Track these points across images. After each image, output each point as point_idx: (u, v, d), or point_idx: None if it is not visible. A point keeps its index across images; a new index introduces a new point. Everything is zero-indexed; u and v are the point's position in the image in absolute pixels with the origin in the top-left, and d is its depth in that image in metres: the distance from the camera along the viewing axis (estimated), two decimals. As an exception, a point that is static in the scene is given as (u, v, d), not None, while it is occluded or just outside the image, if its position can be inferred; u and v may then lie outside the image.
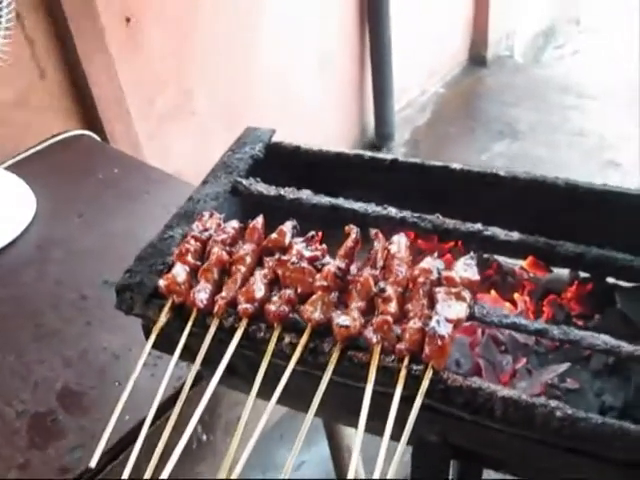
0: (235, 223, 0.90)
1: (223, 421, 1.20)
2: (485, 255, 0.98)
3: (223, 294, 0.81)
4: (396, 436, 0.69)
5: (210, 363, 0.79)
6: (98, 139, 1.75)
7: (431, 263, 0.79)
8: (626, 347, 0.73)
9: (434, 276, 0.78)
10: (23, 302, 1.27)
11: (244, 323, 0.79)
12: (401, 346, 0.72)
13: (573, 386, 0.84)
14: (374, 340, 0.73)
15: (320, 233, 0.86)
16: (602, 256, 0.82)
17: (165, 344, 0.83)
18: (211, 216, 0.92)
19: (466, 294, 0.76)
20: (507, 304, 0.92)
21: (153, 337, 0.81)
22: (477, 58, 3.40)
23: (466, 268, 0.78)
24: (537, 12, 3.58)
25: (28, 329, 1.21)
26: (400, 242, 0.82)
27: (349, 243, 0.82)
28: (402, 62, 2.88)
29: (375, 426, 0.69)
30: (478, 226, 0.86)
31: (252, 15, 2.28)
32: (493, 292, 0.93)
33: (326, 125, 2.76)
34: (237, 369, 0.82)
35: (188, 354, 0.82)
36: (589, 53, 3.44)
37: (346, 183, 1.02)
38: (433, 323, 0.71)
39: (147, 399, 0.78)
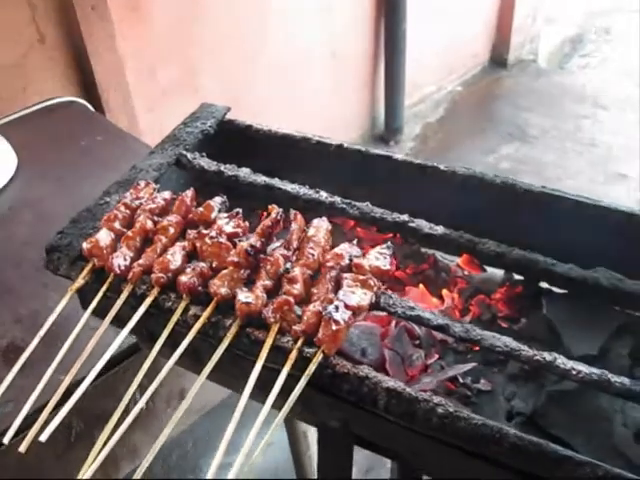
0: (167, 194, 0.90)
1: (165, 391, 1.21)
2: (423, 250, 0.97)
3: (140, 261, 0.82)
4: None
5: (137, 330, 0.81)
6: (89, 107, 1.76)
7: (345, 249, 0.79)
8: (526, 352, 0.71)
9: (345, 262, 0.78)
10: (-15, 260, 1.29)
11: (155, 292, 0.79)
12: (297, 328, 0.72)
13: (485, 388, 0.83)
14: (272, 319, 0.73)
15: (240, 210, 0.85)
16: (523, 258, 0.80)
17: (102, 310, 0.84)
18: (147, 185, 0.92)
19: (373, 282, 0.75)
20: (434, 299, 0.91)
21: (67, 297, 0.82)
22: (498, 59, 3.36)
23: (379, 257, 0.78)
24: (565, 19, 3.51)
25: (-14, 285, 1.23)
26: (320, 226, 0.82)
27: (267, 222, 0.81)
28: (418, 58, 2.85)
29: (263, 398, 0.69)
30: (404, 217, 0.85)
31: (265, 1, 2.27)
32: (422, 286, 0.92)
33: (335, 115, 2.74)
34: (145, 335, 0.83)
35: (117, 321, 0.82)
36: (614, 63, 3.37)
37: (294, 164, 1.01)
38: (330, 308, 0.71)
39: (86, 362, 0.79)
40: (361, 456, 1.84)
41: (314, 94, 2.61)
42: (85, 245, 0.84)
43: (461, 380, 0.83)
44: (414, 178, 0.94)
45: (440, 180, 0.92)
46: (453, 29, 3.01)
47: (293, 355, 0.71)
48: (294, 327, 0.72)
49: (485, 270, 0.94)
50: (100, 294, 0.82)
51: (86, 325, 0.83)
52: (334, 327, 0.70)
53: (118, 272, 0.82)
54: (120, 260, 0.82)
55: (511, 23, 3.19)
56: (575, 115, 2.99)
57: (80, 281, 0.83)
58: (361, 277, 0.75)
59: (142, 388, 1.08)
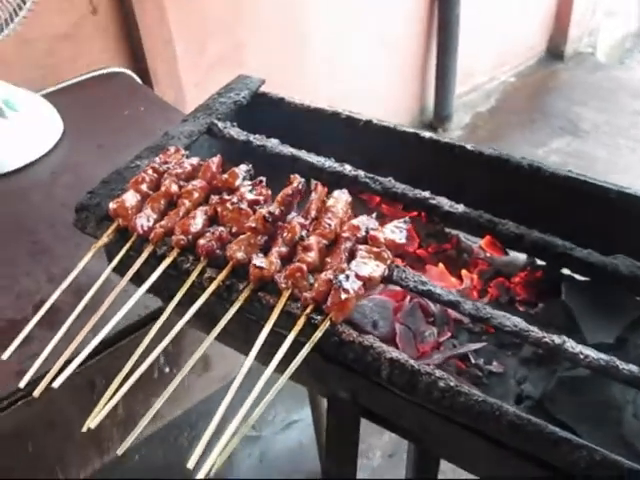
0: (195, 160, 0.92)
1: (188, 357, 1.24)
2: (447, 230, 0.97)
3: (162, 223, 0.84)
4: (295, 377, 0.70)
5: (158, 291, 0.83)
6: (136, 78, 1.80)
7: (362, 221, 0.79)
8: (535, 333, 0.71)
9: (361, 234, 0.78)
10: (26, 219, 1.34)
11: (174, 253, 0.81)
12: (307, 294, 0.73)
13: (497, 370, 0.82)
14: (284, 285, 0.74)
15: (264, 179, 0.86)
16: (541, 240, 0.79)
17: (126, 269, 0.85)
18: (176, 151, 0.94)
19: (387, 255, 0.75)
20: (453, 279, 0.90)
21: (90, 253, 0.85)
22: (555, 52, 3.28)
23: (395, 231, 0.78)
24: (627, 13, 3.40)
25: (24, 244, 1.28)
26: (340, 198, 0.82)
27: (287, 191, 0.82)
28: (472, 46, 2.81)
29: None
30: (425, 194, 0.85)
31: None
32: (441, 265, 0.91)
33: (384, 101, 2.72)
34: (166, 296, 0.85)
35: (139, 280, 0.85)
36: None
37: (324, 138, 1.02)
38: (341, 277, 0.71)
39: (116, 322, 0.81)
40: (384, 441, 1.87)
41: (362, 78, 2.59)
42: (111, 205, 0.87)
43: (473, 360, 0.83)
44: (442, 157, 0.93)
45: (467, 160, 0.91)
46: (509, 19, 2.96)
47: (301, 321, 0.71)
48: (304, 294, 0.73)
49: (507, 253, 0.93)
50: (122, 252, 0.84)
51: (111, 283, 0.86)
52: (343, 296, 0.70)
53: (141, 232, 0.84)
54: (144, 220, 0.84)
55: (570, 15, 3.11)
56: (631, 111, 2.91)
57: (104, 239, 0.86)
58: (375, 249, 0.76)
59: (165, 352, 1.11)
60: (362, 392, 0.78)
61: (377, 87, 2.67)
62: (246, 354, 0.72)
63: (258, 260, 0.75)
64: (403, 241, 0.77)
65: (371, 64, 2.60)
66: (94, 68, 1.76)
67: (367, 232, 0.78)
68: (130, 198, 0.87)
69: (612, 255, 0.79)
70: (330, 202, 0.81)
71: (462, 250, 0.95)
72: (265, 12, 2.18)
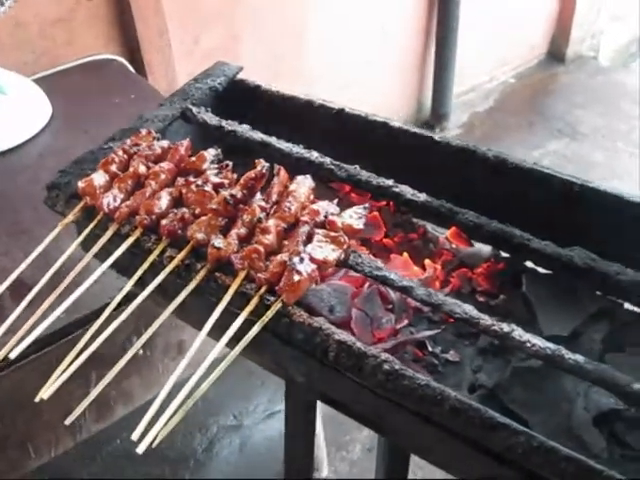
0: (165, 143, 0.93)
1: (163, 340, 1.25)
2: (415, 220, 0.97)
3: (128, 203, 0.85)
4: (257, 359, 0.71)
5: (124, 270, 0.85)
6: (128, 66, 1.81)
7: (322, 206, 0.80)
8: (484, 321, 0.71)
9: (320, 218, 0.79)
10: (10, 200, 1.35)
11: (138, 232, 0.82)
12: (262, 275, 0.73)
13: (453, 358, 0.83)
14: (239, 265, 0.75)
15: (231, 163, 0.87)
16: (499, 230, 0.79)
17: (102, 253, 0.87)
18: (147, 134, 0.95)
19: (343, 240, 0.76)
20: (415, 268, 0.91)
21: (56, 231, 0.86)
22: (556, 54, 3.27)
23: (353, 216, 0.78)
24: (634, 17, 3.38)
25: (4, 225, 1.29)
26: (303, 182, 0.83)
27: (250, 174, 0.83)
28: (471, 46, 2.80)
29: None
30: (389, 182, 0.86)
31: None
32: (405, 254, 0.92)
33: (380, 95, 2.72)
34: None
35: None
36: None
37: (298, 125, 1.02)
38: (295, 259, 0.72)
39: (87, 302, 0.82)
40: (363, 435, 1.87)
41: (361, 70, 2.60)
42: (80, 184, 0.88)
43: (430, 349, 0.83)
44: (409, 146, 0.94)
45: (434, 150, 0.92)
46: (511, 18, 2.95)
47: (254, 301, 0.72)
48: (259, 274, 0.73)
49: (473, 245, 0.93)
50: (88, 230, 0.85)
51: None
52: (295, 277, 0.71)
53: (107, 211, 0.85)
54: (110, 200, 0.85)
55: (572, 16, 3.10)
56: (631, 116, 2.90)
57: (70, 217, 0.87)
58: (332, 234, 0.76)
59: (138, 334, 1.12)
60: (315, 375, 0.79)
61: (375, 82, 2.67)
62: (198, 327, 0.73)
63: (216, 241, 0.76)
64: (360, 227, 0.77)
65: (369, 58, 2.60)
66: (87, 54, 1.77)
67: (326, 216, 0.79)
68: (98, 178, 0.88)
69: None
70: (292, 187, 0.82)
71: (428, 240, 0.95)
72: (262, 3, 2.19)
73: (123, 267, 0.87)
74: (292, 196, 0.81)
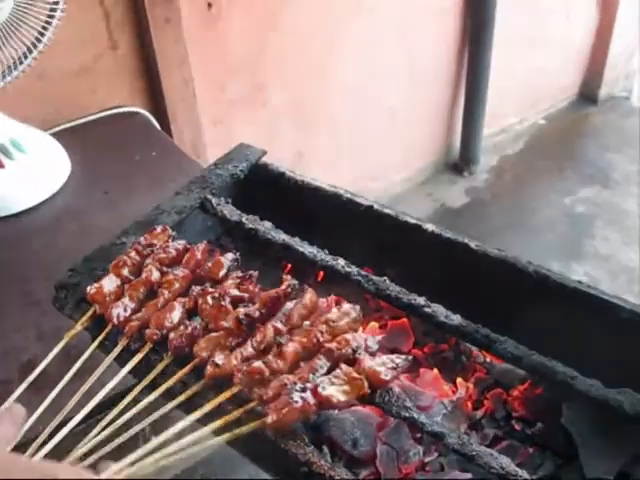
0: (180, 244, 0.87)
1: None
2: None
3: (138, 315, 0.79)
4: None
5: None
6: (152, 119, 1.77)
7: (357, 338, 0.72)
8: (523, 477, 0.64)
9: (348, 351, 0.71)
10: (22, 267, 1.31)
11: (147, 348, 0.77)
12: (257, 391, 0.68)
13: (485, 496, 0.76)
14: (237, 380, 0.69)
15: (256, 273, 0.82)
16: (541, 365, 0.73)
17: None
18: (163, 231, 0.90)
19: (363, 385, 0.68)
20: (446, 387, 0.84)
21: (62, 343, 0.81)
22: (588, 95, 3.19)
23: (387, 363, 0.70)
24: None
25: (17, 295, 1.24)
26: (348, 313, 0.75)
27: (272, 293, 0.77)
28: (501, 86, 2.73)
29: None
30: (420, 300, 0.79)
31: (340, 16, 2.22)
32: (436, 371, 0.85)
33: (408, 139, 2.67)
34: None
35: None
36: None
37: (323, 217, 0.97)
38: (296, 386, 0.66)
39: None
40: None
41: (388, 115, 2.55)
42: (89, 290, 0.83)
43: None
44: (444, 253, 0.88)
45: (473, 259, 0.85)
46: (542, 59, 2.88)
47: (236, 413, 0.67)
48: (255, 389, 0.68)
49: (508, 361, 0.86)
50: (97, 341, 0.80)
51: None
52: (285, 409, 0.65)
53: (116, 322, 0.80)
54: (120, 310, 0.80)
55: (605, 57, 3.02)
56: (666, 162, 2.81)
57: (78, 327, 0.81)
58: (353, 374, 0.69)
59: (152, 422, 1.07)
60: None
61: (402, 125, 2.62)
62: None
63: (218, 357, 0.71)
64: (387, 378, 0.69)
65: (397, 101, 2.55)
66: (110, 105, 1.74)
67: (355, 351, 0.71)
68: (109, 283, 0.83)
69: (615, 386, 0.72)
70: (332, 314, 0.75)
71: (460, 352, 0.89)
72: (289, 51, 2.15)
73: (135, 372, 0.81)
74: (328, 325, 0.74)
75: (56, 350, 0.81)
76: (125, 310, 0.80)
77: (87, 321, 0.82)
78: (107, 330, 0.80)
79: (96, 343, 0.80)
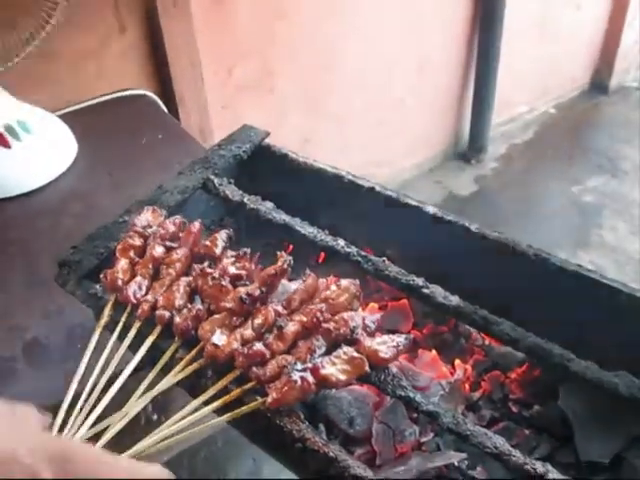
0: (176, 220, 0.88)
1: (177, 406, 1.20)
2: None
3: (148, 297, 0.79)
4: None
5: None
6: (159, 102, 1.77)
7: (355, 317, 0.72)
8: (516, 458, 0.65)
9: (347, 331, 0.72)
10: (29, 247, 1.32)
11: (157, 330, 0.77)
12: (256, 371, 0.68)
13: (480, 476, 0.77)
14: (238, 364, 0.70)
15: (248, 250, 0.82)
16: (538, 347, 0.73)
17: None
18: (153, 212, 0.90)
19: (363, 364, 0.69)
20: (444, 368, 0.85)
21: (97, 333, 0.80)
22: (599, 84, 3.17)
23: (387, 343, 0.71)
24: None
25: (23, 275, 1.25)
26: (347, 289, 0.76)
27: (270, 270, 0.77)
28: (511, 75, 2.72)
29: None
30: (419, 281, 0.79)
31: (349, 4, 2.21)
32: (434, 352, 0.86)
33: (417, 128, 2.66)
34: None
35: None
36: None
37: (325, 199, 0.97)
38: (296, 366, 0.66)
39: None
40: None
41: (396, 104, 2.54)
42: (105, 279, 0.82)
43: (455, 463, 0.77)
44: (442, 233, 0.88)
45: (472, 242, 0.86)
46: (553, 49, 2.86)
47: (235, 393, 0.68)
48: (254, 369, 0.68)
49: (506, 343, 0.87)
50: (120, 327, 0.79)
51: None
52: (285, 387, 0.65)
53: (134, 301, 0.79)
54: (135, 288, 0.80)
55: (617, 47, 3.00)
56: (676, 152, 2.79)
57: (105, 318, 0.81)
58: (354, 354, 0.69)
59: (154, 400, 1.07)
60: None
61: (411, 113, 2.61)
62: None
63: (216, 337, 0.71)
64: (387, 357, 0.70)
65: (406, 89, 2.54)
66: (117, 88, 1.74)
67: (352, 331, 0.71)
68: (122, 268, 0.83)
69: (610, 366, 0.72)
70: (331, 292, 0.75)
71: (459, 334, 0.89)
72: (297, 38, 2.14)
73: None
74: (328, 304, 0.74)
75: (93, 341, 0.79)
76: (140, 288, 0.80)
77: (111, 309, 0.81)
78: (125, 315, 0.79)
79: (116, 333, 0.79)
